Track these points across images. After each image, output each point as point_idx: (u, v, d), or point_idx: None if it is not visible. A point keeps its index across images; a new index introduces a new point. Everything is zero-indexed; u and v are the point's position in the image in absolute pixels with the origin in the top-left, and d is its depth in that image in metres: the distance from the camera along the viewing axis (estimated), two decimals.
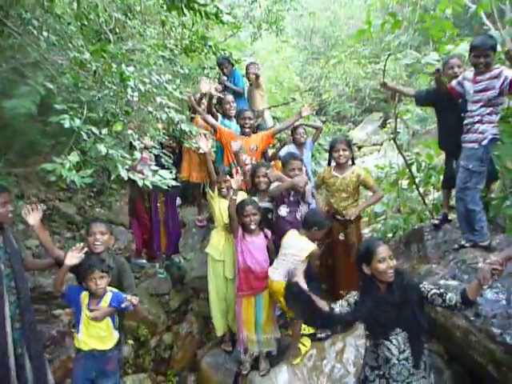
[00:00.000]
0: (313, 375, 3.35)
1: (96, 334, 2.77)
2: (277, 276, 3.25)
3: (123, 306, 2.73)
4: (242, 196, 3.68)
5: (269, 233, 3.48)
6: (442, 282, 3.16)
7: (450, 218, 3.96)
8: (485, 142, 3.27)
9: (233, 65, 5.36)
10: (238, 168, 3.71)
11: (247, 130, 4.23)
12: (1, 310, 2.62)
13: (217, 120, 4.56)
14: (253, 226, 3.33)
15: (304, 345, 3.51)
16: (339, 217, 3.75)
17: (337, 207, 3.78)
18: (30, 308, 2.84)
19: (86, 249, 2.79)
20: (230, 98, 4.64)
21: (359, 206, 3.79)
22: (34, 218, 2.72)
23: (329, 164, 3.90)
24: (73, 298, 2.80)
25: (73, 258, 2.69)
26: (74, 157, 2.48)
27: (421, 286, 2.35)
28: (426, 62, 4.49)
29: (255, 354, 3.48)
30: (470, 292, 2.21)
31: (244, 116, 4.24)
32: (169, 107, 3.35)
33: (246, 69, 5.21)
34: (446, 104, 3.73)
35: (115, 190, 6.64)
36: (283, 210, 3.56)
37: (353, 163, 3.85)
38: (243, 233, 3.39)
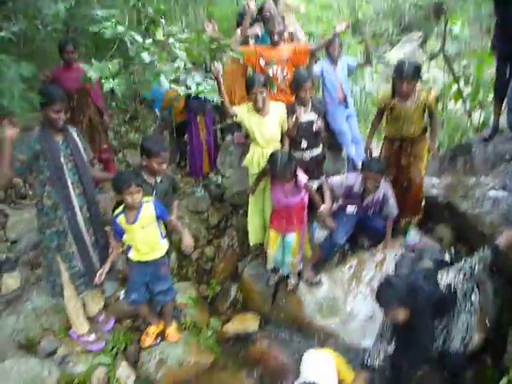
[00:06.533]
0: (352, 283, 3.46)
1: (146, 247, 2.90)
2: None
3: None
4: (278, 106, 3.56)
5: (303, 177, 3.23)
6: (491, 193, 3.09)
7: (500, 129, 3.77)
8: None
9: None
10: None
11: (276, 36, 3.91)
12: (70, 201, 2.81)
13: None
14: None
15: None
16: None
17: (402, 134, 3.45)
18: (96, 200, 3.04)
19: None
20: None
21: (434, 143, 3.43)
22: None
23: (393, 96, 3.35)
24: (118, 231, 2.89)
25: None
26: (114, 65, 2.48)
27: None
28: None
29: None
30: None
31: (273, 22, 3.91)
32: None
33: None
34: None
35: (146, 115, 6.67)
36: (350, 209, 3.50)
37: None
38: (273, 182, 3.31)
